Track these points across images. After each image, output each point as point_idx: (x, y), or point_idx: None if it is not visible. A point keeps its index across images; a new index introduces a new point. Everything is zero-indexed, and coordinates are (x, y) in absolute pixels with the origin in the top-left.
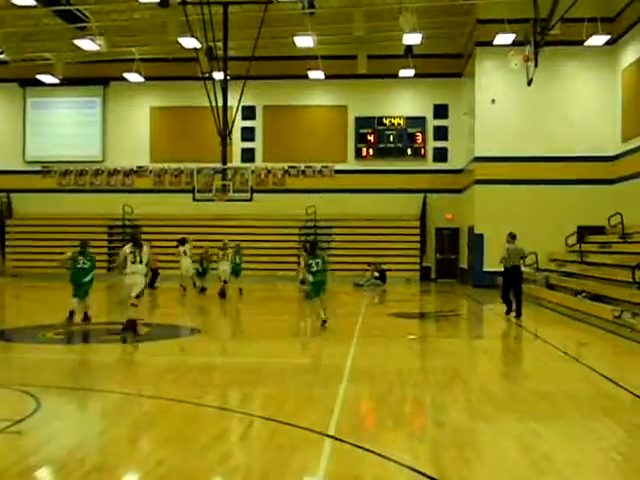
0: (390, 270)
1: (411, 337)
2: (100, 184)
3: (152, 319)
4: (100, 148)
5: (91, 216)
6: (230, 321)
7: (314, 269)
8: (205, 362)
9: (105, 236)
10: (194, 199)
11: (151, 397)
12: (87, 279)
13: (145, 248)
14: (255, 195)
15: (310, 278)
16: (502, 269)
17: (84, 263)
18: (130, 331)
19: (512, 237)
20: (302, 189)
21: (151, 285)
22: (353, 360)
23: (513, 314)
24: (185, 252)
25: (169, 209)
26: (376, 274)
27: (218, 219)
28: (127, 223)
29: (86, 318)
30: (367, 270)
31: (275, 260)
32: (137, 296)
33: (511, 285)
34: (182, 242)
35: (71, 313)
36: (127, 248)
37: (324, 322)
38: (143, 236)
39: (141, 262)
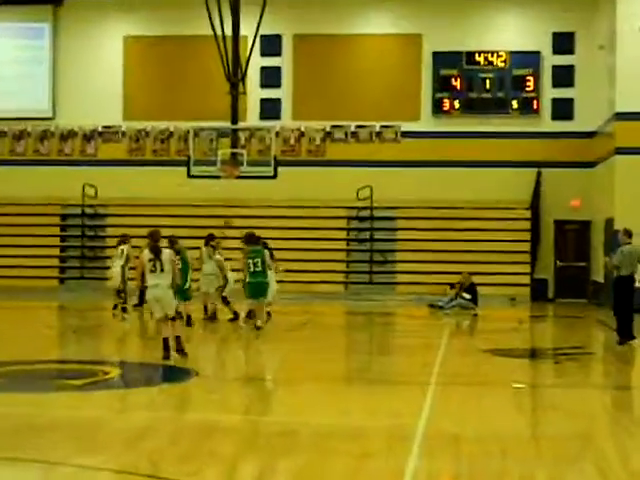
0: (484, 285)
1: (517, 386)
2: (48, 152)
3: (126, 354)
4: (48, 99)
5: (34, 200)
6: (241, 360)
7: (252, 269)
8: (204, 420)
9: (56, 230)
10: (189, 175)
11: (121, 472)
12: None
13: (168, 252)
14: (281, 170)
15: (247, 278)
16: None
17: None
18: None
19: (628, 235)
20: (352, 161)
21: (140, 303)
22: (428, 420)
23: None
24: (121, 254)
25: (151, 190)
26: (467, 295)
27: (225, 205)
28: (89, 211)
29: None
30: (449, 284)
31: (310, 268)
32: (178, 313)
33: (620, 300)
34: (123, 240)
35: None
36: (146, 254)
37: (258, 328)
38: (110, 230)
39: (162, 270)
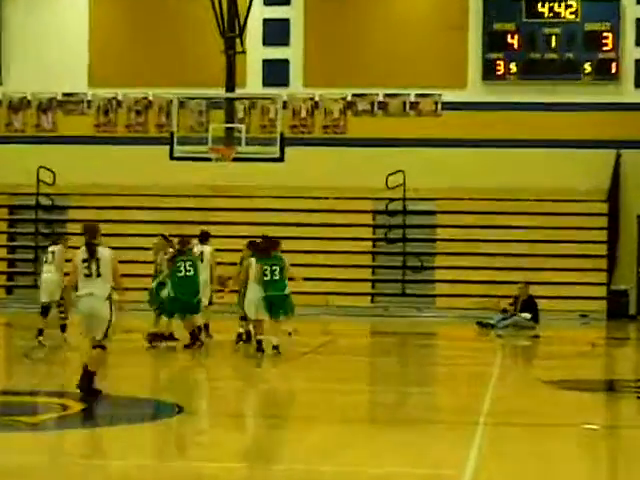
0: (547, 298)
1: (589, 427)
2: None
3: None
4: None
5: None
6: (240, 391)
7: (268, 277)
8: (188, 470)
9: (2, 225)
10: (172, 157)
11: None
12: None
13: (108, 252)
14: (289, 151)
15: (259, 292)
16: None
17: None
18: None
19: None
20: (379, 139)
21: None
22: (476, 470)
23: None
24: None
25: (123, 176)
26: (527, 315)
27: (216, 195)
28: (45, 202)
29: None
30: (503, 297)
31: (327, 276)
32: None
33: None
34: (55, 241)
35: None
36: (79, 254)
37: (275, 347)
38: (72, 226)
39: (99, 275)
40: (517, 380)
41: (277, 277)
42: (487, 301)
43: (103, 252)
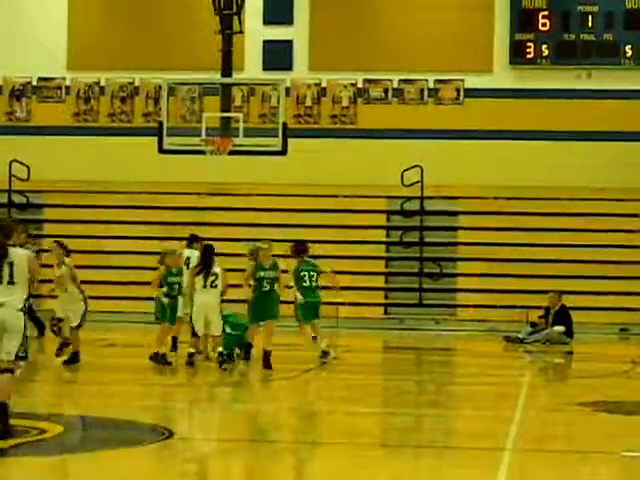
0: (582, 309)
1: (629, 454)
2: None
3: (71, 405)
4: None
5: None
6: (238, 413)
7: (307, 284)
8: None
9: None
10: (161, 150)
11: None
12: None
13: (22, 253)
14: (292, 143)
15: (299, 297)
16: None
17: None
18: None
19: None
20: (394, 130)
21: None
22: None
23: None
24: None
25: (107, 170)
26: (560, 329)
27: (211, 193)
28: (19, 200)
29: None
30: (533, 308)
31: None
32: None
33: None
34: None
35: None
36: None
37: (325, 354)
38: (49, 227)
39: (12, 282)
40: (548, 401)
41: (315, 283)
42: (515, 313)
43: (16, 255)
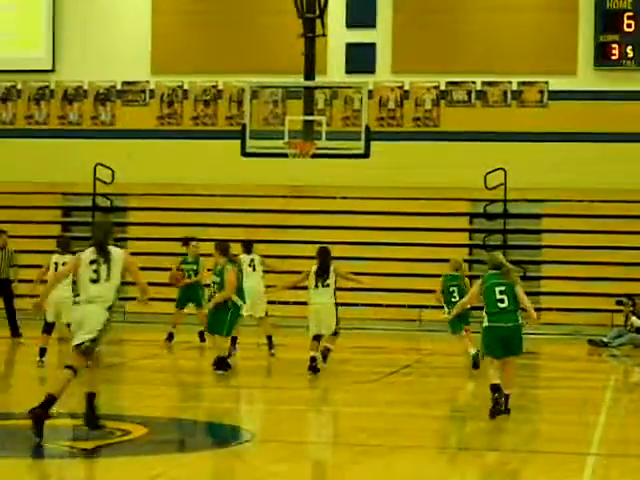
0: None
1: None
2: (45, 119)
3: (150, 408)
4: (46, 44)
5: (23, 187)
6: (321, 416)
7: (456, 298)
8: None
9: (55, 229)
10: (244, 153)
11: None
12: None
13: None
14: (376, 145)
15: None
16: None
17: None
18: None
19: None
20: (477, 133)
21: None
22: None
23: None
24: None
25: (191, 174)
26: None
27: (294, 196)
28: (103, 203)
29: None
30: (618, 312)
31: (416, 287)
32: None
33: None
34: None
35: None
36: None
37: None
38: (133, 230)
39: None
40: (635, 406)
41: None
42: (601, 316)
43: (116, 253)
